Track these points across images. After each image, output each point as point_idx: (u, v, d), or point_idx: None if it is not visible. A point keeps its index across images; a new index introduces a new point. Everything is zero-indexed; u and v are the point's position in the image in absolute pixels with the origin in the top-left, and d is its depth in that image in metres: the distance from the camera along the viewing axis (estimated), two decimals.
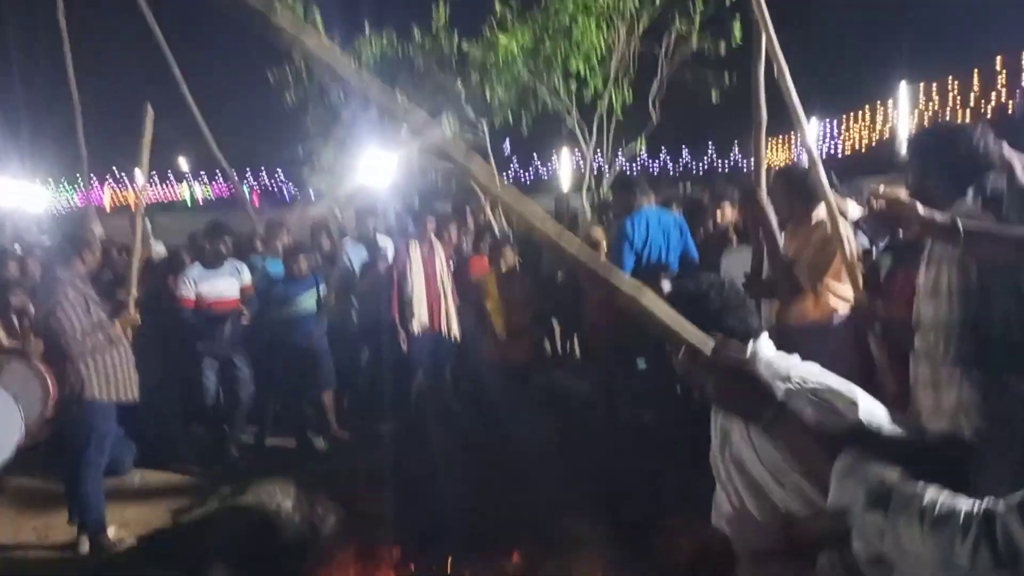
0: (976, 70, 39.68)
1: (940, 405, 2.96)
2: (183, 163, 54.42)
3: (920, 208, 2.64)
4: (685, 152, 58.04)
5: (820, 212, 4.30)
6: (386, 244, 7.33)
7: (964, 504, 1.27)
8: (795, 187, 4.45)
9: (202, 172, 61.20)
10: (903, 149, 4.45)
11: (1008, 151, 3.00)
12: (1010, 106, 37.17)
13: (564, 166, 19.99)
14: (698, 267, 5.95)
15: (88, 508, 4.82)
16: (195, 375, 6.31)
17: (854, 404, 1.89)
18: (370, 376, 7.25)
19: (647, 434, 6.12)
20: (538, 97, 10.88)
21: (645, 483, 5.25)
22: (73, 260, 4.78)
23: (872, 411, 1.89)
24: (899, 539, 1.31)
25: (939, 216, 2.60)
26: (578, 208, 11.52)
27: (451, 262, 7.36)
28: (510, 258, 7.11)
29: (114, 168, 54.16)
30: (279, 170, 57.21)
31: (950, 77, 41.09)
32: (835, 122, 49.67)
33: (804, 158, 4.37)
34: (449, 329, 7.21)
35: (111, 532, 4.86)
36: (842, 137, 50.40)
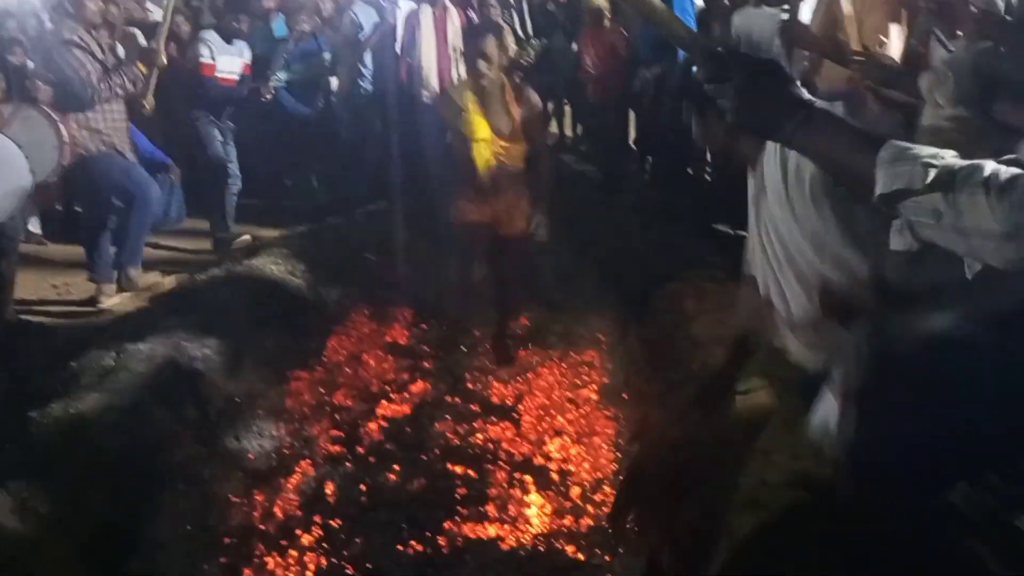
0: None
1: None
2: None
3: None
4: None
5: None
6: (396, 4, 6.94)
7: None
8: None
9: None
10: None
11: None
12: None
13: None
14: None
15: (98, 261, 4.94)
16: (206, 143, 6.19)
17: None
18: (382, 145, 7.15)
19: (655, 212, 6.16)
20: None
21: (652, 253, 5.34)
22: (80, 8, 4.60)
23: None
24: (960, 216, 1.27)
25: None
26: None
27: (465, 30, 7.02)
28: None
29: None
30: None
31: None
32: None
33: None
34: None
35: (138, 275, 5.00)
36: None
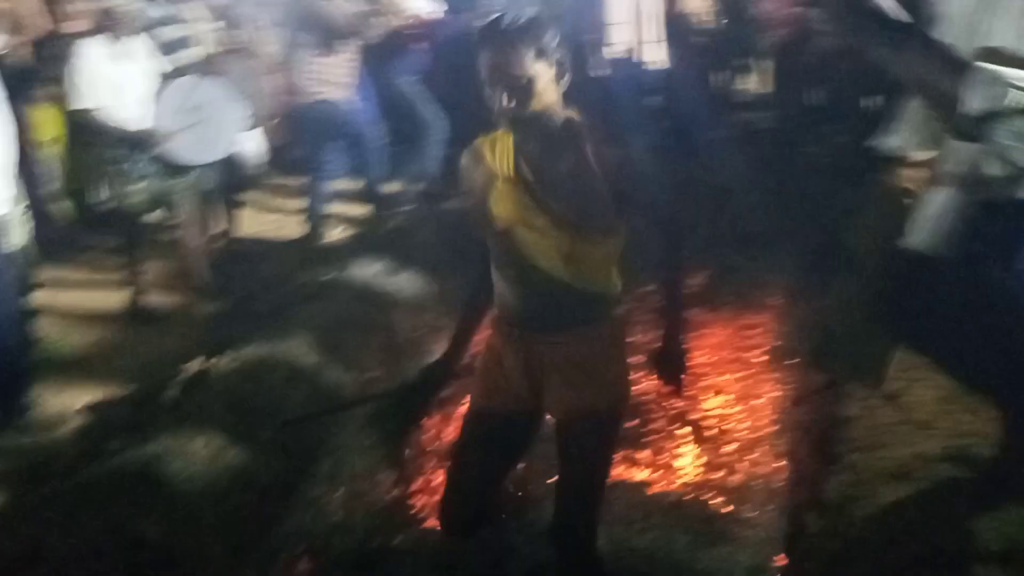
0: None
1: None
2: None
3: None
4: None
5: None
6: None
7: None
8: None
9: None
10: None
11: None
12: None
13: None
14: None
15: (316, 202, 5.42)
16: None
17: None
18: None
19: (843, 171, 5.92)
20: None
21: (841, 218, 5.18)
22: None
23: None
24: None
25: None
26: None
27: None
28: None
29: None
30: None
31: None
32: None
33: None
34: (645, 55, 6.97)
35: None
36: None
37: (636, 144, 6.71)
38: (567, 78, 1.90)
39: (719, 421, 3.72)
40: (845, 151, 6.08)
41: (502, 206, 2.03)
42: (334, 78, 5.08)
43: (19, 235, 3.40)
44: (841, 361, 3.41)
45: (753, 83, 9.14)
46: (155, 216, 4.68)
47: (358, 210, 5.83)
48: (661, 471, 3.35)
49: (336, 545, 2.93)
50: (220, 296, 4.57)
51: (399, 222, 5.49)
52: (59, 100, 4.90)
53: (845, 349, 3.50)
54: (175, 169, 4.27)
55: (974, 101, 1.32)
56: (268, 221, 5.84)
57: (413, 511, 3.15)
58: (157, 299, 4.47)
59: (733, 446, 3.52)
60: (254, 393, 3.27)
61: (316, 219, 5.41)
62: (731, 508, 3.12)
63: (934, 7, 1.71)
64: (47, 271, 4.64)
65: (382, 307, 4.25)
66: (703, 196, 6.47)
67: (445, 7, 6.33)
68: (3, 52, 4.28)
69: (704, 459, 3.44)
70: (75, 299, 4.50)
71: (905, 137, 2.02)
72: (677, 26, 7.03)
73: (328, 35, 4.94)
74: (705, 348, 4.36)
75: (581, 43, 6.82)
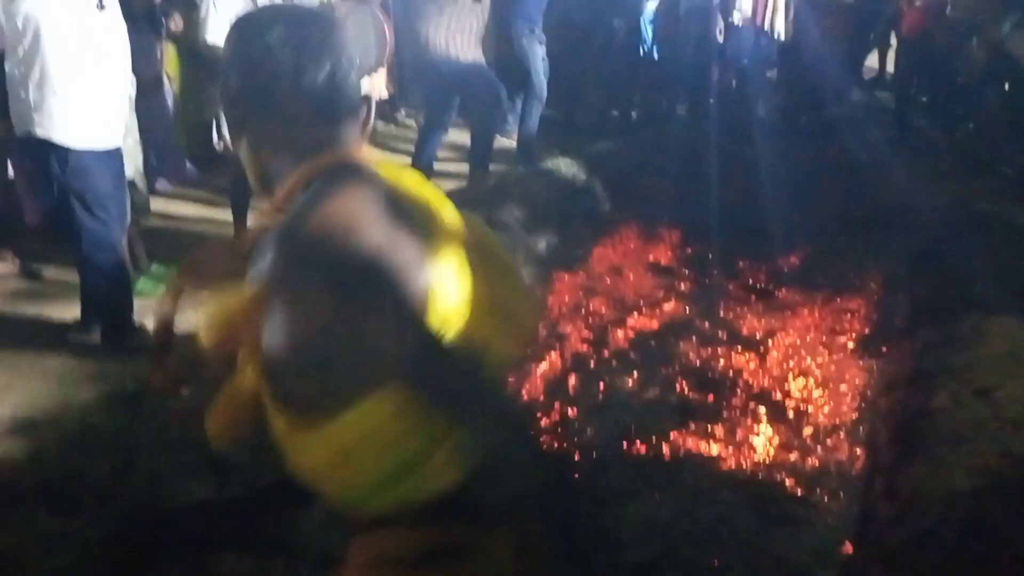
0: None
1: None
2: None
3: None
4: None
5: None
6: None
7: None
8: None
9: None
10: None
11: None
12: None
13: None
14: None
15: (421, 155, 5.50)
16: None
17: None
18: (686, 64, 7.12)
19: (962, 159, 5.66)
20: None
21: (945, 206, 4.97)
22: None
23: None
24: None
25: None
26: None
27: None
28: None
29: None
30: None
31: None
32: None
33: None
34: (772, 25, 6.80)
35: None
36: None
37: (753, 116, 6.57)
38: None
39: (799, 404, 3.65)
40: (966, 141, 5.81)
41: None
42: (457, 31, 5.08)
43: (131, 167, 3.57)
44: None
45: (882, 62, 8.81)
46: None
47: (458, 167, 5.90)
48: (735, 447, 3.32)
49: None
50: None
51: (497, 180, 5.54)
52: (180, 36, 5.17)
53: None
54: None
55: None
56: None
57: None
58: None
59: (810, 430, 3.46)
60: None
61: (421, 171, 5.49)
62: (802, 491, 3.08)
63: None
64: (157, 203, 4.91)
65: None
66: (809, 175, 6.32)
67: None
68: None
69: (780, 440, 3.40)
70: (184, 230, 4.74)
71: None
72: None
73: None
74: (794, 329, 4.28)
75: (710, 8, 6.71)
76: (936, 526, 2.32)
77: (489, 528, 1.10)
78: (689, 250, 5.21)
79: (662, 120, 7.48)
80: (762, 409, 3.59)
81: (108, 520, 2.41)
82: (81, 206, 3.19)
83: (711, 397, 3.66)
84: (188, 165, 5.51)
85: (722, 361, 3.96)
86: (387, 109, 7.01)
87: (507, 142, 6.27)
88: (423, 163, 5.46)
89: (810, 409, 3.62)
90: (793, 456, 3.29)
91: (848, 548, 2.70)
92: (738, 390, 3.72)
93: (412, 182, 1.20)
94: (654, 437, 3.35)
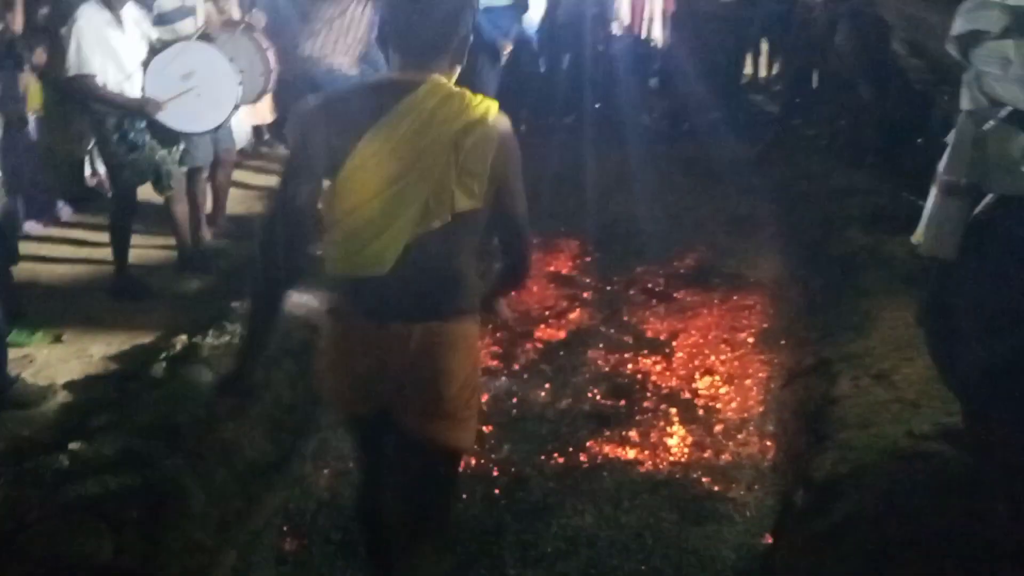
0: None
1: None
2: None
3: None
4: None
5: None
6: None
7: None
8: None
9: None
10: None
11: None
12: None
13: None
14: None
15: None
16: None
17: None
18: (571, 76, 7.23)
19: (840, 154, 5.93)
20: None
21: (830, 199, 5.18)
22: None
23: None
24: None
25: None
26: None
27: None
28: None
29: None
30: None
31: None
32: None
33: None
34: (651, 33, 6.98)
35: None
36: None
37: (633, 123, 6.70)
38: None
39: (708, 401, 3.71)
40: (844, 134, 6.08)
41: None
42: (338, 47, 4.97)
43: None
44: None
45: (757, 65, 9.17)
46: (144, 189, 4.63)
47: None
48: (650, 450, 3.33)
49: (321, 524, 2.90)
50: (208, 272, 4.53)
51: None
52: (45, 69, 4.87)
53: None
54: (167, 139, 4.21)
55: (960, 23, 1.38)
56: (259, 196, 5.79)
57: None
58: (145, 274, 4.43)
59: (720, 427, 3.51)
60: None
61: None
62: (719, 487, 3.11)
63: None
64: (30, 245, 4.61)
65: None
66: (696, 177, 6.49)
67: None
68: None
69: (693, 439, 3.43)
70: (59, 273, 4.46)
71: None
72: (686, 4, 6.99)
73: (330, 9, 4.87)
74: (696, 328, 4.35)
75: (592, 18, 6.80)
76: (855, 511, 2.37)
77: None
78: (588, 258, 5.25)
79: (550, 131, 7.56)
80: (673, 410, 3.62)
81: None
82: None
83: (623, 402, 3.67)
84: (60, 204, 5.21)
85: (630, 365, 3.98)
86: (270, 134, 6.83)
87: None
88: None
89: (719, 405, 3.67)
90: (707, 453, 3.33)
91: (772, 540, 2.74)
92: (648, 393, 3.75)
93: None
94: (571, 447, 3.33)
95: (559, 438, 3.38)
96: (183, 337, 3.59)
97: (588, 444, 3.34)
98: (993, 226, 1.78)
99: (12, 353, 3.30)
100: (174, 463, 2.63)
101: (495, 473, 3.16)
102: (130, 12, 4.10)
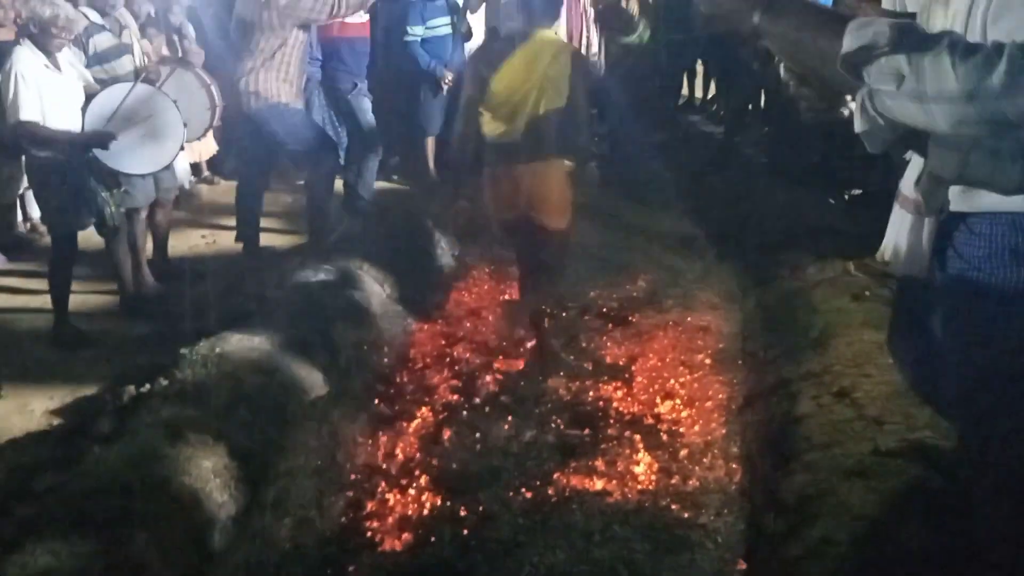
0: None
1: None
2: None
3: None
4: None
5: None
6: None
7: (991, 42, 1.29)
8: None
9: None
10: None
11: None
12: None
13: None
14: None
15: (244, 224, 5.28)
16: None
17: None
18: None
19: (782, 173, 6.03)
20: None
21: (775, 217, 5.26)
22: None
23: None
24: (922, 78, 1.30)
25: None
26: None
27: None
28: None
29: None
30: None
31: None
32: None
33: None
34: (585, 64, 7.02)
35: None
36: None
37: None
38: None
39: (671, 426, 3.70)
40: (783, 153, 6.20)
41: None
42: (280, 80, 4.90)
43: None
44: None
45: (691, 88, 9.34)
46: (85, 232, 4.47)
47: (299, 223, 5.70)
48: (618, 479, 3.30)
49: None
50: (153, 317, 4.39)
51: (341, 233, 5.38)
52: None
53: None
54: (109, 181, 4.08)
55: (850, 40, 1.35)
56: (203, 237, 5.68)
57: (367, 536, 3.03)
58: (86, 321, 4.27)
59: (685, 451, 3.50)
60: (193, 420, 3.12)
61: (251, 233, 5.26)
62: (689, 514, 3.09)
63: None
64: None
65: (325, 322, 4.12)
66: (640, 200, 6.54)
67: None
68: None
69: (659, 465, 3.41)
70: None
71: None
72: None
73: (269, 41, 4.80)
74: (653, 351, 4.35)
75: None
76: (828, 534, 2.37)
77: None
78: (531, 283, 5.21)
79: None
80: (637, 436, 3.59)
81: None
82: None
83: (587, 431, 3.64)
84: None
85: (592, 392, 3.96)
86: (210, 170, 6.70)
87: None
88: (247, 216, 5.24)
89: (682, 430, 3.66)
90: (675, 479, 3.31)
91: (746, 566, 2.72)
92: (612, 420, 3.72)
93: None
94: (538, 480, 3.28)
95: (525, 472, 3.33)
96: (130, 387, 3.45)
97: (555, 476, 3.29)
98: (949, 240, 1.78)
99: None
100: (127, 525, 2.50)
101: (463, 512, 3.09)
102: (64, 54, 3.98)
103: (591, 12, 6.84)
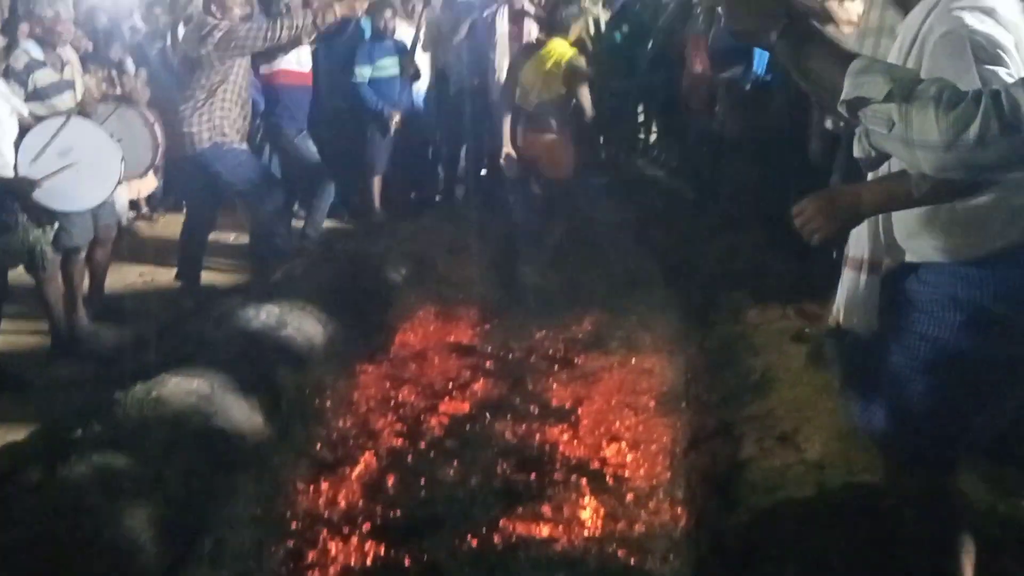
0: None
1: None
2: None
3: None
4: None
5: None
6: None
7: (972, 91, 1.43)
8: None
9: None
10: None
11: None
12: None
13: None
14: None
15: (184, 261, 5.19)
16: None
17: None
18: (458, 144, 7.32)
19: (723, 221, 6.15)
20: None
21: (717, 261, 5.35)
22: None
23: None
24: (909, 126, 1.44)
25: None
26: None
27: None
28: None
29: None
30: None
31: None
32: None
33: None
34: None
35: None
36: None
37: (520, 190, 6.82)
38: None
39: (617, 469, 3.70)
40: (727, 198, 6.33)
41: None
42: (220, 125, 4.86)
43: None
44: None
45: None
46: (16, 271, 4.33)
47: (238, 262, 5.62)
48: (564, 525, 3.28)
49: None
50: (87, 358, 4.26)
51: (284, 273, 5.31)
52: None
53: None
54: (41, 219, 3.96)
55: (849, 88, 1.50)
56: (141, 275, 5.55)
57: None
58: (15, 362, 4.12)
59: (631, 495, 3.50)
60: (127, 467, 3.01)
61: (193, 272, 5.16)
62: (636, 560, 3.08)
63: None
64: None
65: (267, 364, 4.04)
66: (584, 242, 6.61)
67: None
68: None
69: (605, 510, 3.40)
70: None
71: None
72: None
73: (210, 78, 4.76)
74: (598, 394, 4.36)
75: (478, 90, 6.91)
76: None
77: None
78: (488, 326, 5.22)
79: (444, 200, 7.61)
80: (584, 480, 3.59)
81: None
82: None
83: (533, 475, 3.62)
84: None
85: (538, 436, 3.94)
86: (152, 204, 6.58)
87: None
88: (191, 255, 5.15)
89: (628, 473, 3.67)
90: (621, 524, 3.30)
91: None
92: (558, 464, 3.71)
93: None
94: (484, 527, 3.24)
95: (471, 519, 3.28)
96: (61, 432, 3.32)
97: (501, 523, 3.25)
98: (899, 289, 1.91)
99: None
100: None
101: (407, 563, 3.04)
102: (4, 87, 3.89)
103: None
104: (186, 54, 4.92)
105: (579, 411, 4.17)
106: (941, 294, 1.82)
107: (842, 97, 1.50)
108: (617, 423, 4.08)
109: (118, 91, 5.18)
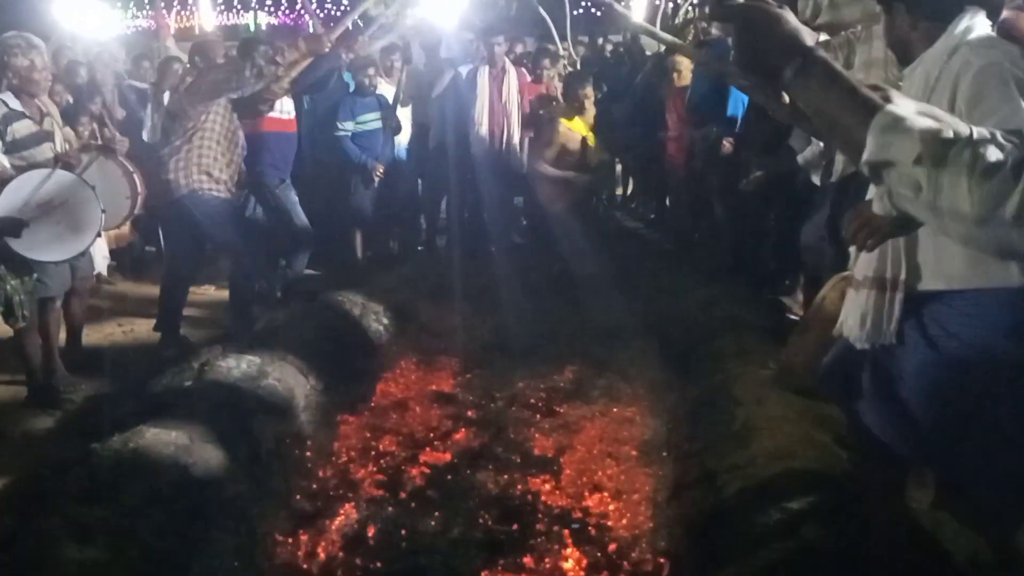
0: None
1: None
2: None
3: None
4: None
5: None
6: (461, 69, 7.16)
7: (1012, 158, 1.26)
8: None
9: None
10: None
11: None
12: None
13: None
14: None
15: (164, 312, 5.17)
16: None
17: None
18: (441, 196, 7.39)
19: (703, 272, 6.23)
20: None
21: (697, 312, 5.40)
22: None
23: None
24: (939, 195, 1.28)
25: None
26: None
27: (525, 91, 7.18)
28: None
29: None
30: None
31: None
32: None
33: None
34: (509, 157, 7.19)
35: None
36: None
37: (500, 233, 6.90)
38: None
39: (599, 519, 3.68)
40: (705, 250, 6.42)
41: None
42: (197, 175, 4.89)
43: None
44: None
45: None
46: None
47: (218, 313, 5.59)
48: None
49: None
50: (63, 409, 4.20)
51: (264, 323, 5.30)
52: None
53: None
54: (19, 269, 3.94)
55: (874, 150, 1.33)
56: (119, 325, 5.50)
57: None
58: None
59: (613, 545, 3.48)
60: (103, 519, 2.96)
61: (173, 324, 5.13)
62: None
63: None
64: None
65: (246, 414, 4.00)
66: (564, 292, 6.65)
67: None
68: None
69: (588, 561, 3.38)
70: None
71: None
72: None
73: (184, 125, 4.81)
74: (580, 443, 4.35)
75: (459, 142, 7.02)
76: None
77: None
78: (469, 375, 5.22)
79: (426, 250, 7.65)
80: (566, 531, 3.56)
81: None
82: None
83: (515, 526, 3.59)
84: None
85: (520, 486, 3.92)
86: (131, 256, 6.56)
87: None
88: (171, 306, 5.12)
89: (610, 523, 3.65)
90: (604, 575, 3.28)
91: None
92: (540, 514, 3.68)
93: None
94: None
95: (453, 570, 3.25)
96: (36, 484, 3.27)
97: (483, 574, 3.22)
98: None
99: None
100: None
101: None
102: None
103: (513, 108, 7.06)
104: (168, 108, 4.99)
105: (561, 461, 4.16)
106: (982, 318, 1.95)
107: (865, 158, 1.33)
108: (599, 472, 4.07)
109: (99, 141, 5.20)
